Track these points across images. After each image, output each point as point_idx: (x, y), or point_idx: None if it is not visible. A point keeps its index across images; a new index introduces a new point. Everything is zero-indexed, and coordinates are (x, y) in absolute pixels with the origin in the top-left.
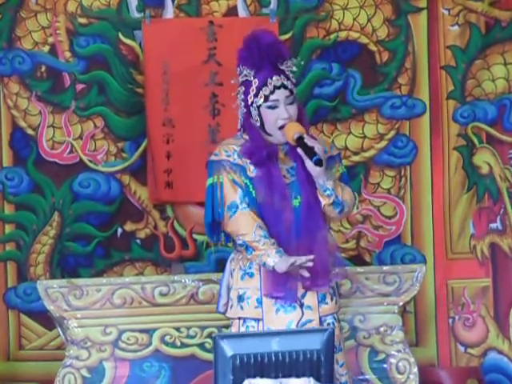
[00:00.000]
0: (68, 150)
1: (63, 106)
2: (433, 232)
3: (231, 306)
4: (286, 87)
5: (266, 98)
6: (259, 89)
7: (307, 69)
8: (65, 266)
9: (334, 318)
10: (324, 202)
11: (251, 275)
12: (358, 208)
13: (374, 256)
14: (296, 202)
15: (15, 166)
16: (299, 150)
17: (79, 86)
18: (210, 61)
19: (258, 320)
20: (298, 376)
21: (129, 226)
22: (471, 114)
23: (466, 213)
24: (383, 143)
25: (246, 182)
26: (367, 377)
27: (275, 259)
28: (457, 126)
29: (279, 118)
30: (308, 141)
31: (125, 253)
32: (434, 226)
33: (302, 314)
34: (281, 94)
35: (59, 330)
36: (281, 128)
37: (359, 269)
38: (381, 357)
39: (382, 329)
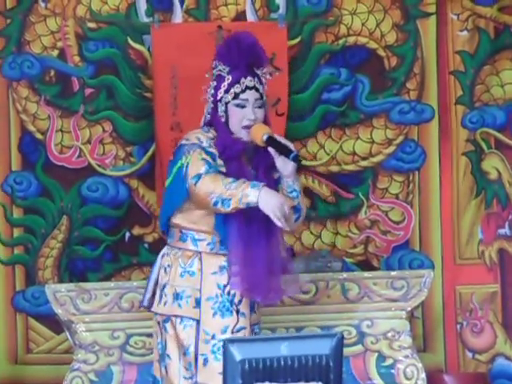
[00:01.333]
0: (76, 155)
1: (72, 111)
2: (441, 237)
3: (165, 303)
4: (257, 90)
5: (236, 96)
6: (231, 85)
7: (315, 74)
8: (73, 269)
9: (259, 328)
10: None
11: (192, 274)
12: (366, 213)
13: (382, 261)
14: None
15: (24, 170)
16: (271, 150)
17: (88, 91)
18: None
19: (195, 320)
20: (306, 381)
21: (137, 230)
22: (480, 120)
23: (474, 218)
24: (391, 148)
25: (214, 164)
26: (375, 382)
27: (256, 193)
28: (465, 131)
29: (245, 118)
30: (281, 139)
31: (133, 257)
32: (442, 232)
33: (237, 320)
34: (251, 95)
35: (67, 333)
36: (244, 128)
37: (367, 274)
38: (388, 362)
39: (389, 334)
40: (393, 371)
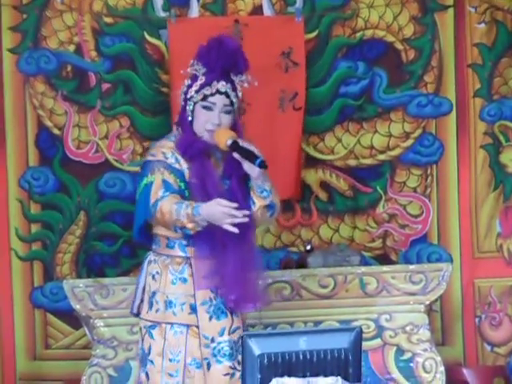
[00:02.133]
0: (94, 150)
1: (89, 106)
2: (459, 231)
3: (157, 310)
4: (228, 96)
5: (205, 98)
6: (202, 87)
7: (333, 67)
8: (91, 265)
9: (246, 326)
10: (259, 203)
11: (184, 281)
12: (384, 207)
13: (401, 255)
14: None
15: (41, 165)
16: (236, 155)
17: (105, 86)
18: None
19: (188, 326)
20: (325, 375)
21: None
22: (498, 112)
23: (492, 211)
24: (409, 142)
25: (181, 185)
26: (393, 376)
27: (200, 217)
28: (483, 124)
29: (209, 122)
30: (244, 144)
31: None
32: (460, 225)
33: (232, 320)
34: (220, 100)
35: (85, 329)
36: (207, 131)
37: (385, 268)
38: (407, 356)
39: (408, 328)
40: (411, 365)
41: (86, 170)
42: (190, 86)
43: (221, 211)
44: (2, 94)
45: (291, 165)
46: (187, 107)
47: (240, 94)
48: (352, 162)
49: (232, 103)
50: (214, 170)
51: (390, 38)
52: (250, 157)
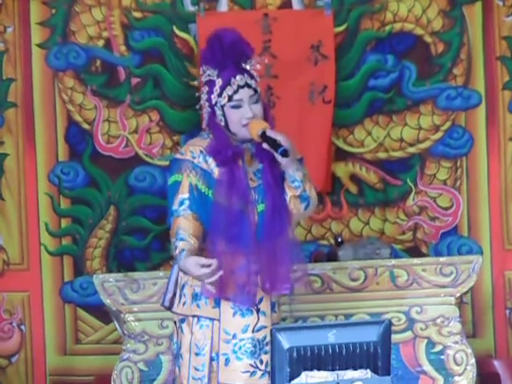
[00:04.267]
0: (123, 144)
1: (118, 100)
2: (489, 223)
3: (184, 303)
4: (249, 86)
5: (230, 98)
6: (223, 88)
7: (362, 61)
8: (121, 259)
9: None
10: (290, 193)
11: None
12: (414, 199)
13: (431, 247)
14: (261, 207)
15: (71, 160)
16: (265, 145)
17: (134, 80)
18: (264, 53)
19: (213, 320)
20: (354, 368)
21: None
22: None
23: None
24: (439, 134)
25: (201, 188)
26: (424, 368)
27: (178, 262)
28: None
29: (243, 118)
30: (271, 133)
31: None
32: (490, 217)
33: (258, 319)
34: (245, 94)
35: (116, 323)
36: (245, 126)
37: (416, 260)
38: (438, 348)
39: (438, 320)
40: (442, 357)
41: (115, 164)
42: (210, 92)
43: (194, 272)
44: (31, 89)
45: (321, 158)
46: (216, 113)
47: (258, 79)
48: (382, 155)
49: (256, 91)
50: (243, 177)
51: (418, 31)
52: (275, 146)
